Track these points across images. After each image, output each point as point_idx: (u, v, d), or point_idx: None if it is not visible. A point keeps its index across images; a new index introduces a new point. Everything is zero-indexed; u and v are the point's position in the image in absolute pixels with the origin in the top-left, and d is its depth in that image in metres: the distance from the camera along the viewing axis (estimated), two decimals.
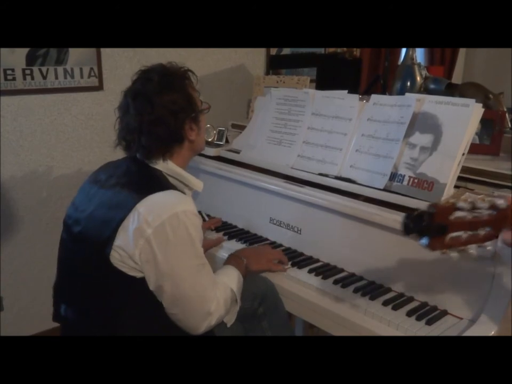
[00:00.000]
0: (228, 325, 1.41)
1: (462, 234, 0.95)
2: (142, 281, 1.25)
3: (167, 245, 1.22)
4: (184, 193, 1.38)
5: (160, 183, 1.31)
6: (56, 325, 1.45)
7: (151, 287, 1.25)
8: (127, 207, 1.23)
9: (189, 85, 1.38)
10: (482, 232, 0.96)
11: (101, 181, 1.37)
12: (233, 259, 1.53)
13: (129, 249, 1.22)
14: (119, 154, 1.47)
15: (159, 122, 1.30)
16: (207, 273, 1.32)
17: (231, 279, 1.42)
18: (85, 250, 1.29)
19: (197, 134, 1.40)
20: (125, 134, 1.35)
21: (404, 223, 0.99)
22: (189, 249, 1.26)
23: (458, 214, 0.94)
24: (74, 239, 1.33)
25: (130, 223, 1.22)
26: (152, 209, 1.22)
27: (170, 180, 1.37)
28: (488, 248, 0.98)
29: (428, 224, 0.95)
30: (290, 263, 1.66)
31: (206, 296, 1.29)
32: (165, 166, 1.36)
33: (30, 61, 2.19)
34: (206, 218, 1.99)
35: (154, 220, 1.21)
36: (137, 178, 1.33)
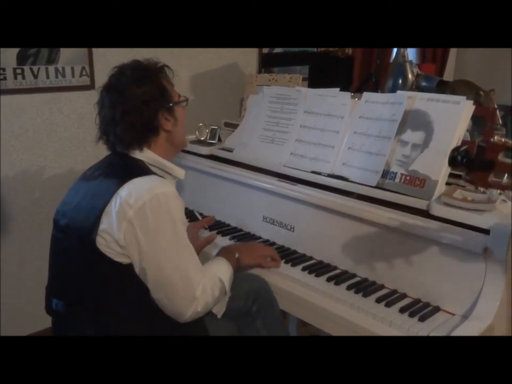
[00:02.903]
0: (218, 316, 1.42)
1: (503, 178, 0.95)
2: (129, 267, 1.27)
3: (149, 225, 1.25)
4: None
5: (141, 170, 1.35)
6: (48, 325, 1.45)
7: (136, 270, 1.27)
8: (109, 193, 1.27)
9: (163, 77, 1.42)
10: None
11: (87, 176, 1.42)
12: (224, 252, 1.53)
13: (114, 232, 1.25)
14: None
15: (131, 112, 1.34)
16: (191, 257, 1.33)
17: (220, 268, 1.43)
18: (72, 239, 1.32)
19: (174, 125, 1.43)
20: (104, 127, 1.40)
21: (451, 155, 0.99)
22: (170, 230, 1.28)
23: (504, 158, 0.95)
24: (62, 231, 1.36)
25: (113, 207, 1.25)
26: (133, 192, 1.26)
27: (153, 169, 1.40)
28: None
29: (477, 158, 0.96)
30: (283, 261, 1.67)
31: (190, 280, 1.30)
32: (146, 156, 1.39)
33: (21, 60, 2.18)
34: (199, 217, 1.99)
35: (135, 202, 1.24)
36: (119, 167, 1.37)
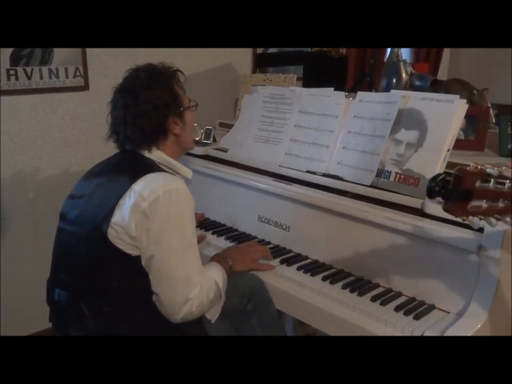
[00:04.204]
0: (212, 321, 1.43)
1: (483, 204, 0.93)
2: (137, 259, 1.31)
3: (160, 216, 1.29)
4: None
5: (152, 167, 1.39)
6: (48, 326, 1.46)
7: (143, 261, 1.31)
8: (123, 187, 1.31)
9: (175, 83, 1.46)
10: (501, 204, 0.92)
11: (96, 172, 1.46)
12: (217, 259, 1.55)
13: (125, 223, 1.28)
14: (106, 154, 1.49)
15: (142, 116, 1.38)
16: (194, 255, 1.36)
17: (215, 273, 1.45)
18: (82, 231, 1.36)
19: (182, 129, 1.46)
20: (115, 127, 1.43)
21: (428, 186, 0.97)
22: (179, 225, 1.33)
23: (483, 182, 0.92)
24: (72, 223, 1.39)
25: (127, 200, 1.30)
26: (147, 186, 1.31)
27: (162, 167, 1.43)
28: (507, 219, 0.94)
29: (454, 189, 0.93)
30: (279, 260, 1.67)
31: (189, 279, 1.32)
32: (155, 155, 1.43)
33: (14, 61, 2.17)
34: None
35: (149, 195, 1.29)
36: (131, 164, 1.41)
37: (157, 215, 1.29)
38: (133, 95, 1.39)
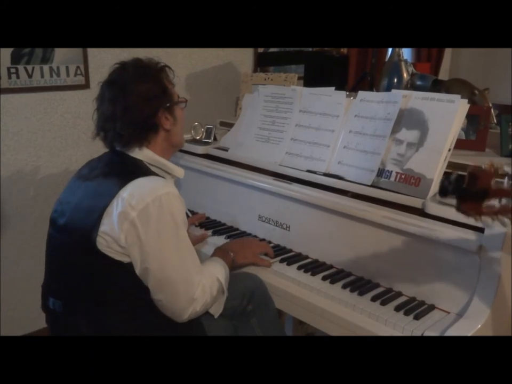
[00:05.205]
0: (215, 316, 1.43)
1: (496, 203, 0.90)
2: (129, 266, 1.27)
3: (151, 226, 1.26)
4: None
5: (141, 170, 1.35)
6: (44, 325, 1.45)
7: (137, 271, 1.28)
8: (111, 194, 1.27)
9: (164, 77, 1.43)
10: None
11: (84, 175, 1.41)
12: (219, 252, 1.55)
13: (115, 233, 1.24)
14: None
15: (131, 109, 1.34)
16: (191, 257, 1.34)
17: (217, 268, 1.44)
18: (71, 239, 1.31)
19: (173, 124, 1.43)
20: (102, 123, 1.39)
21: (441, 185, 0.95)
22: (172, 231, 1.29)
23: (498, 180, 0.89)
24: (60, 230, 1.35)
25: (114, 208, 1.25)
26: (135, 193, 1.26)
27: (152, 168, 1.40)
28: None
29: (469, 188, 0.91)
30: (279, 259, 1.67)
31: (190, 280, 1.31)
32: (145, 155, 1.39)
33: (15, 59, 2.17)
34: (190, 215, 1.99)
35: (138, 203, 1.25)
36: (119, 167, 1.37)
37: (148, 224, 1.25)
38: (121, 88, 1.34)
